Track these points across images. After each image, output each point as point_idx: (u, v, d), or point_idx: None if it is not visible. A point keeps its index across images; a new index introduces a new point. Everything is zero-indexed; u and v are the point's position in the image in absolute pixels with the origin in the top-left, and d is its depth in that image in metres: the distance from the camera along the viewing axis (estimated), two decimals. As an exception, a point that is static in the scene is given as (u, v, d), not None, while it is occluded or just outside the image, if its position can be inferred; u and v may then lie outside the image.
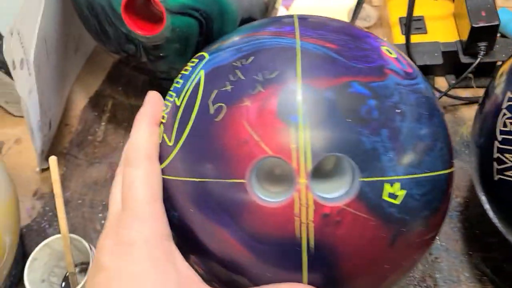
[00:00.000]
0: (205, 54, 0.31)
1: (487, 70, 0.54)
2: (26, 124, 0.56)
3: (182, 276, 0.27)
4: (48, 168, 0.53)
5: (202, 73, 0.29)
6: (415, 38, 0.53)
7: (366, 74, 0.27)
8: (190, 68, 0.31)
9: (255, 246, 0.26)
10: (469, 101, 0.53)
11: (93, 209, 0.50)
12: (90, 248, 0.40)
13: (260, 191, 0.26)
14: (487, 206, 0.38)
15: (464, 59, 0.52)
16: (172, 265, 0.27)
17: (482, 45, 0.49)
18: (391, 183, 0.26)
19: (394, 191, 0.26)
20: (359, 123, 0.25)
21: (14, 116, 0.58)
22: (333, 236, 0.25)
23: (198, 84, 0.29)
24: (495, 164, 0.33)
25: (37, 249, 0.40)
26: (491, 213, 0.37)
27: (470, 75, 0.52)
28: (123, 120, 0.57)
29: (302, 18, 0.31)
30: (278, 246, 0.26)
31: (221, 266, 0.28)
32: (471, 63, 0.51)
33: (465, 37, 0.51)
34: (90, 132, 0.56)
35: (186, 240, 0.29)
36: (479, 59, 0.49)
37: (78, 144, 0.55)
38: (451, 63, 0.53)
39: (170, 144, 0.29)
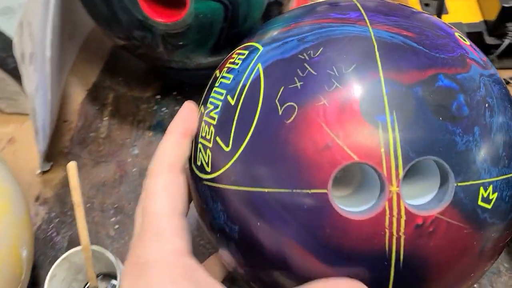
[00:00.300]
0: (256, 45, 0.27)
1: (509, 51, 0.52)
2: (18, 121, 0.52)
3: None
4: (48, 171, 0.49)
5: (259, 67, 0.26)
6: (437, 19, 0.51)
7: (450, 65, 0.24)
8: (240, 61, 0.27)
9: (337, 261, 0.23)
10: (494, 84, 0.51)
11: (104, 213, 0.46)
12: (116, 259, 0.36)
13: (338, 201, 0.23)
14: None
15: (490, 40, 0.50)
16: (193, 284, 0.24)
17: (511, 25, 0.47)
18: (485, 186, 0.23)
19: (487, 195, 0.23)
20: (450, 121, 0.23)
21: (5, 113, 0.52)
22: (425, 249, 0.23)
23: (257, 80, 0.25)
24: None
25: (56, 264, 0.36)
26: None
27: (493, 56, 0.50)
28: (128, 114, 0.52)
29: (364, 3, 0.28)
30: (363, 261, 0.23)
31: (289, 278, 0.25)
32: (497, 45, 0.49)
33: (491, 17, 0.49)
34: (92, 129, 0.52)
35: (250, 254, 0.26)
36: (509, 40, 0.47)
37: (80, 142, 0.51)
38: (475, 44, 0.51)
39: (227, 149, 0.25)
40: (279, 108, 0.24)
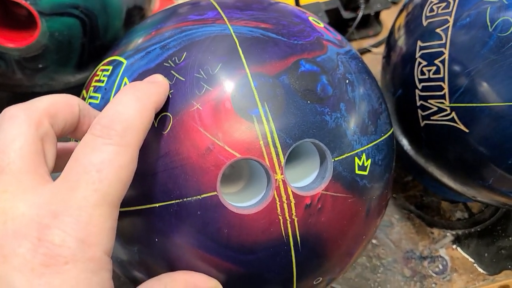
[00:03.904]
0: (120, 58, 0.26)
1: (365, 21, 0.57)
2: None
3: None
4: None
5: (126, 81, 0.25)
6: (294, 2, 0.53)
7: (309, 50, 0.26)
8: (105, 78, 0.26)
9: (243, 258, 0.24)
10: (357, 54, 0.56)
11: None
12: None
13: (230, 198, 0.24)
14: (408, 148, 0.40)
15: (346, 15, 0.53)
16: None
17: (362, -1, 0.51)
18: (359, 156, 0.25)
19: (362, 163, 0.25)
20: (318, 103, 0.24)
21: None
22: (317, 225, 0.24)
23: (126, 95, 0.24)
24: (419, 111, 0.34)
25: None
26: (412, 152, 0.40)
27: (352, 29, 0.54)
28: None
29: (220, 0, 0.28)
30: (265, 251, 0.24)
31: None
32: (353, 18, 0.53)
33: (343, -7, 0.52)
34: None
35: (152, 270, 0.25)
36: (362, 12, 0.51)
37: None
38: (334, 20, 0.55)
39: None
40: (153, 120, 0.23)
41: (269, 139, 0.23)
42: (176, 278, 0.23)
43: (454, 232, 0.46)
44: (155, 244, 0.24)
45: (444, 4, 0.33)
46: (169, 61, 0.24)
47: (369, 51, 0.56)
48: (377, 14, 0.58)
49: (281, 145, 0.23)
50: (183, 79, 0.24)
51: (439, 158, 0.37)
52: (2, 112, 0.20)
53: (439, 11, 0.33)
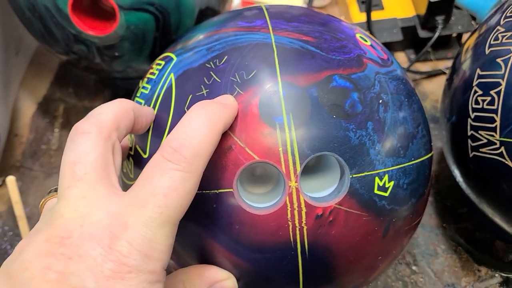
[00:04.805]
0: (172, 55, 0.29)
1: (444, 42, 0.54)
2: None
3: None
4: (0, 185, 0.49)
5: (172, 77, 0.27)
6: (372, 15, 0.53)
7: (346, 66, 0.26)
8: (157, 72, 0.29)
9: (252, 256, 0.25)
10: (430, 75, 0.54)
11: (57, 222, 0.47)
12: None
13: (246, 197, 0.25)
14: (459, 179, 0.38)
15: (423, 34, 0.52)
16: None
17: (440, 18, 0.50)
18: (380, 176, 0.25)
19: (383, 184, 0.25)
20: (344, 118, 0.25)
21: (-44, 130, 0.53)
22: (327, 237, 0.25)
23: (169, 89, 0.27)
24: (469, 141, 0.33)
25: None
26: (464, 185, 0.38)
27: (429, 48, 0.53)
28: (79, 124, 0.53)
29: (272, 9, 0.29)
30: (273, 253, 0.25)
31: None
32: (430, 37, 0.51)
33: (422, 11, 0.51)
34: (44, 141, 0.52)
35: (179, 257, 0.27)
36: (438, 33, 0.50)
37: (32, 155, 0.52)
38: (410, 38, 0.53)
39: (145, 156, 0.27)
40: (186, 115, 0.25)
41: (288, 147, 0.24)
42: (191, 274, 0.25)
43: (504, 274, 0.43)
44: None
45: (509, 34, 0.31)
46: (211, 63, 0.26)
47: (444, 73, 0.54)
48: (460, 35, 0.56)
49: (299, 154, 0.24)
50: (219, 81, 0.25)
51: (488, 194, 0.35)
52: (74, 127, 0.23)
53: (504, 40, 0.31)
